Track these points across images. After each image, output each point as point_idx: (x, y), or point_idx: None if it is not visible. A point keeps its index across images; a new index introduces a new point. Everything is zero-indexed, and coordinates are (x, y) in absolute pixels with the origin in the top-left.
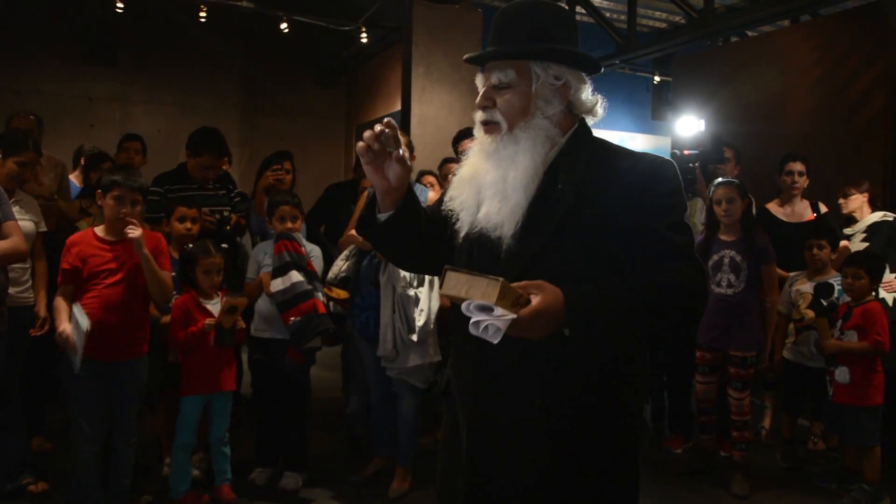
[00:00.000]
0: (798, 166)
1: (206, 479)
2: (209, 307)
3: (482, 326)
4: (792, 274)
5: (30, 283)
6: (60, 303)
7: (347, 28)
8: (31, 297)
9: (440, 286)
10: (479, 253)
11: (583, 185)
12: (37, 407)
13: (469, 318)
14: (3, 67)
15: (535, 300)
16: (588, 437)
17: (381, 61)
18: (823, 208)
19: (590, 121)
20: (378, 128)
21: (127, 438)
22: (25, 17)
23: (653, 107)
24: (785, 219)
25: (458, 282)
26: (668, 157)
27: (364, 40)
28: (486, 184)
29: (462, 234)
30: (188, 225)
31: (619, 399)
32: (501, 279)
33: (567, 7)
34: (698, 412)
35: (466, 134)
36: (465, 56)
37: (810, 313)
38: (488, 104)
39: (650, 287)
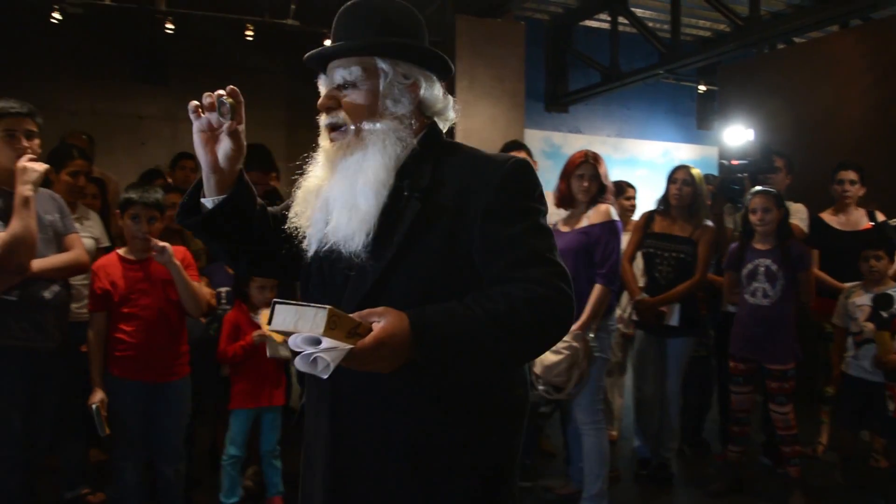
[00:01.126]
0: (850, 175)
1: (259, 491)
2: (258, 320)
3: (310, 360)
4: (847, 285)
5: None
6: (94, 351)
7: None
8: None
9: (268, 321)
10: (330, 272)
11: (431, 190)
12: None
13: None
14: (59, 89)
15: (376, 328)
16: (455, 475)
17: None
18: (881, 216)
19: (442, 124)
20: (220, 92)
21: (173, 464)
22: (80, 41)
23: (698, 116)
24: (839, 228)
25: (286, 315)
26: (716, 167)
27: None
28: (334, 195)
29: (311, 252)
30: None
31: (488, 433)
32: (329, 307)
33: (609, 17)
34: (731, 422)
35: (512, 146)
36: (306, 55)
37: (870, 326)
38: (332, 104)
39: (506, 302)
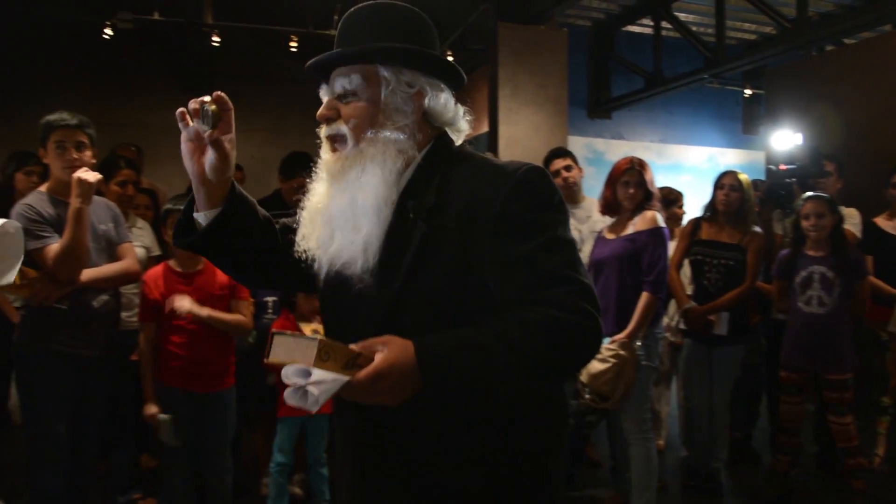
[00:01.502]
0: None
1: (306, 498)
2: (306, 331)
3: (299, 393)
4: None
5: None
6: (145, 362)
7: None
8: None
9: (266, 354)
10: (341, 296)
11: (437, 209)
12: (144, 425)
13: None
14: (109, 102)
15: (376, 359)
16: (486, 482)
17: (467, 83)
18: None
19: (455, 136)
20: (205, 98)
21: (220, 475)
22: (128, 55)
23: (744, 121)
24: (893, 232)
25: (283, 346)
26: (762, 172)
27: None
28: (336, 212)
29: (322, 276)
30: None
31: (516, 482)
32: (320, 338)
33: (652, 23)
34: (780, 431)
35: (557, 153)
36: (307, 63)
37: None
38: (331, 115)
39: (521, 330)
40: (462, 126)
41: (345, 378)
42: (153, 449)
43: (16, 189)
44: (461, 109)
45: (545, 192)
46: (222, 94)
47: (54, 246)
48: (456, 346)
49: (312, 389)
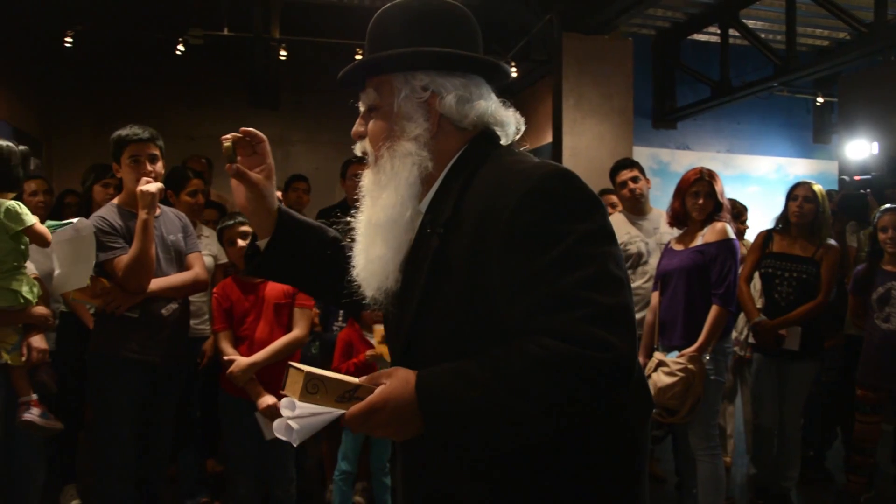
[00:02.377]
0: None
1: None
2: (372, 340)
3: (284, 426)
4: None
5: (207, 316)
6: (241, 364)
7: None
8: (208, 330)
9: (282, 386)
10: (385, 317)
11: (453, 222)
12: (211, 430)
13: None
14: (179, 115)
15: (375, 392)
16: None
17: (530, 94)
18: None
19: (501, 135)
20: (225, 137)
21: (285, 485)
22: (198, 69)
23: (814, 129)
24: None
25: (289, 378)
26: (835, 182)
27: (514, 74)
28: (361, 232)
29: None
30: None
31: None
32: (306, 371)
33: (719, 30)
34: (854, 451)
35: (624, 164)
36: (338, 78)
37: None
38: (361, 131)
39: (520, 364)
40: (505, 119)
41: (337, 411)
42: (219, 454)
43: (94, 201)
44: (496, 104)
45: (565, 197)
46: (249, 130)
47: (124, 257)
48: (454, 382)
49: (292, 423)
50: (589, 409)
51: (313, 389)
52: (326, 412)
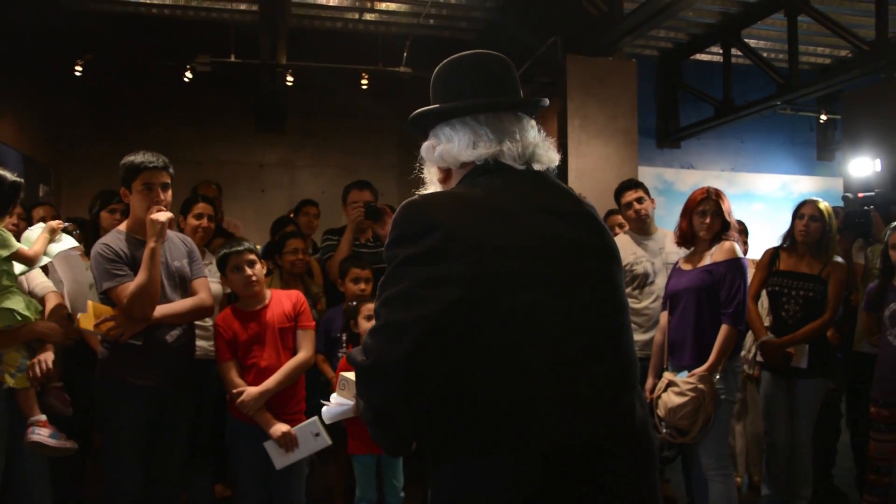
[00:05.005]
0: None
1: None
2: None
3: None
4: None
5: None
6: (252, 393)
7: None
8: None
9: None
10: None
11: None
12: (219, 454)
13: None
14: (187, 140)
15: None
16: None
17: (536, 116)
18: None
19: (510, 160)
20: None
21: None
22: (205, 95)
23: (818, 147)
24: None
25: (344, 381)
26: (839, 199)
27: None
28: None
29: None
30: (362, 286)
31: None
32: (342, 374)
33: (721, 50)
34: (869, 470)
35: (629, 185)
36: None
37: None
38: None
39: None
40: (456, 158)
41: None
42: (227, 479)
43: (101, 227)
44: (456, 146)
45: (401, 225)
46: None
47: (129, 284)
48: None
49: (324, 409)
50: (375, 410)
51: (342, 387)
52: (348, 404)
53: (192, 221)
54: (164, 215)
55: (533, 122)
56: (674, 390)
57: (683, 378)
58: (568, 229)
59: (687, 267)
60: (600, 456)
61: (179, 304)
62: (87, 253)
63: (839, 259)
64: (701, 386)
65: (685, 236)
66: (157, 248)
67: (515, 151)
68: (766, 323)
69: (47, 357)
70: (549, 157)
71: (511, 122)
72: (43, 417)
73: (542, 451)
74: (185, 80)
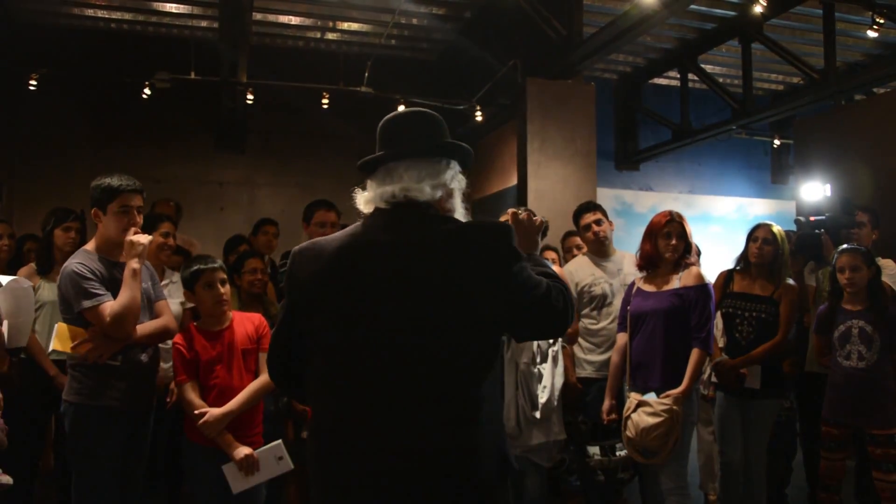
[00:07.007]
0: None
1: None
2: None
3: None
4: None
5: None
6: (214, 414)
7: (462, 107)
8: None
9: None
10: None
11: None
12: (171, 478)
13: None
14: (145, 158)
15: None
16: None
17: (496, 138)
18: None
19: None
20: None
21: None
22: (164, 113)
23: (773, 170)
24: None
25: None
26: (792, 222)
27: (479, 118)
28: None
29: None
30: None
31: None
32: None
33: (679, 74)
34: (820, 489)
35: (587, 208)
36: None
37: None
38: None
39: None
40: (363, 199)
41: None
42: (181, 501)
43: (55, 244)
44: (365, 195)
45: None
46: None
47: (111, 304)
48: None
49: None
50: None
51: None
52: None
53: (157, 239)
54: (144, 237)
55: (434, 161)
56: (646, 410)
57: (657, 399)
58: (379, 261)
59: (650, 288)
60: None
61: (150, 325)
62: (40, 272)
63: (791, 281)
64: (675, 407)
65: (649, 259)
66: (138, 270)
67: (389, 193)
68: (721, 344)
69: None
70: (424, 192)
71: (404, 168)
72: None
73: None
74: (144, 96)
